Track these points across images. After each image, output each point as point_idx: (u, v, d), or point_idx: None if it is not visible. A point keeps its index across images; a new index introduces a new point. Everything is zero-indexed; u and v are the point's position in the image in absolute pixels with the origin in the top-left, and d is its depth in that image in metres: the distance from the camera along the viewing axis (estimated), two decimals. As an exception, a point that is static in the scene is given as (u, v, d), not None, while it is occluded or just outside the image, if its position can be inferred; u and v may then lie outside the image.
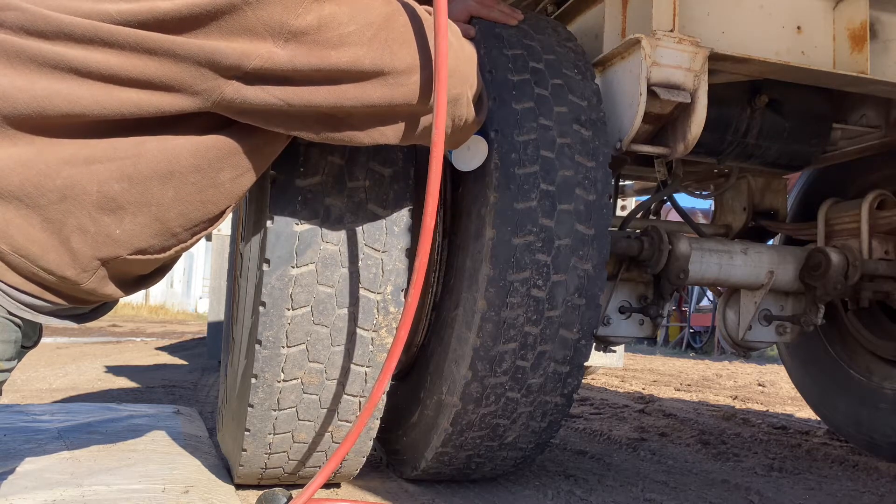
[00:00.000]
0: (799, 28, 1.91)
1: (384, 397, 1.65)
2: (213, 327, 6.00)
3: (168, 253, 1.24)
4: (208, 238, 8.85)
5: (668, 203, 2.68)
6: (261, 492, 1.56)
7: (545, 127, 1.65)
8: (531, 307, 1.62)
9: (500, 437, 1.76)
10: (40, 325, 1.25)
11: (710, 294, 10.22)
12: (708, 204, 4.02)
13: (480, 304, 1.59)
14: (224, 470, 1.87)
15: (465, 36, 1.44)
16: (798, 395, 3.29)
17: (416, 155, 1.65)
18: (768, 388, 5.21)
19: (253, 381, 1.55)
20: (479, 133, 1.56)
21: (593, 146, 1.70)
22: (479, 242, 1.62)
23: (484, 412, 1.68)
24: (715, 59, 1.79)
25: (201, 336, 8.88)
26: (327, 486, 1.84)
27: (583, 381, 5.17)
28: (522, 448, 1.83)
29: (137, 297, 21.57)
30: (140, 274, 1.28)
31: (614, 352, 2.73)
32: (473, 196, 1.67)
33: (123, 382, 4.16)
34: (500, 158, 1.60)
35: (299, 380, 1.57)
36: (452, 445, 1.74)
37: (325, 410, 1.63)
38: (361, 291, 1.57)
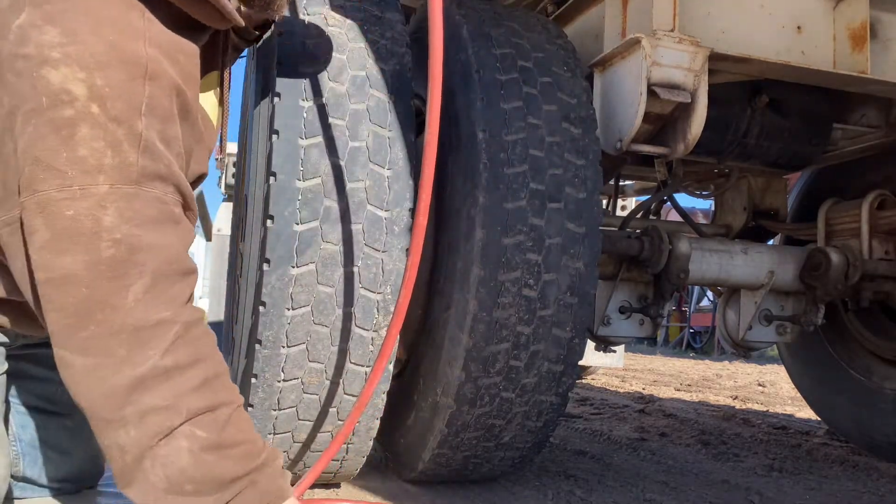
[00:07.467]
0: (799, 28, 1.91)
1: (384, 397, 1.65)
2: (213, 327, 5.98)
3: None
4: (208, 238, 8.81)
5: (668, 203, 2.68)
6: (261, 492, 1.55)
7: (534, 126, 1.64)
8: (523, 307, 1.61)
9: (496, 438, 1.76)
10: None
11: (710, 294, 10.21)
12: (708, 204, 4.03)
13: (472, 305, 1.59)
14: (224, 470, 1.87)
15: None
16: (798, 395, 3.29)
17: (417, 155, 1.65)
18: (768, 388, 5.21)
19: (253, 380, 1.55)
20: (468, 132, 1.54)
21: (583, 144, 1.69)
22: (469, 243, 1.61)
23: (479, 413, 1.68)
24: (715, 58, 1.79)
25: (201, 336, 8.83)
26: (327, 486, 1.84)
27: (583, 381, 5.18)
28: (519, 448, 1.82)
29: (137, 297, 21.39)
30: None
31: (614, 352, 2.72)
32: (463, 197, 1.67)
33: (123, 382, 4.15)
34: (489, 158, 1.59)
35: (299, 380, 1.57)
36: (449, 446, 1.74)
37: (325, 410, 1.63)
38: (361, 291, 1.57)
